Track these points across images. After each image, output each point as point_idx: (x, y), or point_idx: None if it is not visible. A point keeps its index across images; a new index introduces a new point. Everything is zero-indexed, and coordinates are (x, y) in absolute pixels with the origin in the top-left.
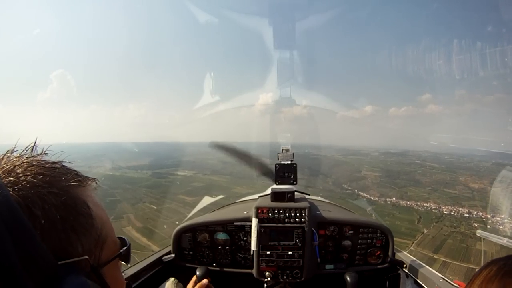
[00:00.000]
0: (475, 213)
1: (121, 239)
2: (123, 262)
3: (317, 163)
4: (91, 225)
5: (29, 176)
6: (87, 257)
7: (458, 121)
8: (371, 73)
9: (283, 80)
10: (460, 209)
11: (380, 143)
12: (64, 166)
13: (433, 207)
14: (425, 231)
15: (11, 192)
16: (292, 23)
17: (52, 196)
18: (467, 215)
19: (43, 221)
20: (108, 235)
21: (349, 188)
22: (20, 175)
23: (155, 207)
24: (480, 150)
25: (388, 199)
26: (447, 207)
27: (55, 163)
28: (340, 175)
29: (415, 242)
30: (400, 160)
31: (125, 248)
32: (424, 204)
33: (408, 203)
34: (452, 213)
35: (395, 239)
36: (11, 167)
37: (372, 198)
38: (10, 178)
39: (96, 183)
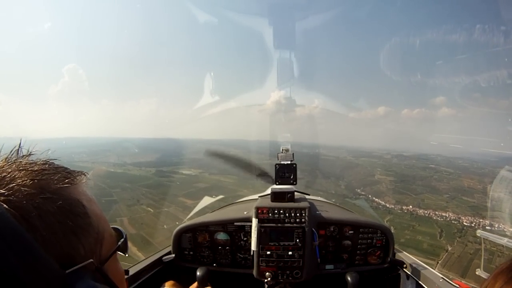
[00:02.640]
0: (496, 225)
1: (116, 230)
2: (121, 253)
3: (329, 164)
4: (89, 224)
5: (20, 185)
6: (92, 260)
7: (469, 124)
8: (383, 74)
9: (284, 80)
10: (481, 220)
11: (390, 145)
12: (53, 164)
13: (452, 217)
14: (449, 248)
15: (6, 206)
16: (292, 23)
17: (47, 203)
18: (488, 227)
19: (44, 233)
20: (105, 230)
21: (363, 193)
22: (10, 184)
23: (152, 210)
24: (492, 155)
25: (404, 207)
26: (467, 217)
27: (43, 163)
28: (353, 178)
29: (439, 262)
30: (414, 164)
31: (122, 240)
32: (443, 214)
33: (426, 212)
34: (473, 225)
35: (418, 258)
36: (0, 177)
37: (387, 206)
38: (1, 190)
39: (85, 175)
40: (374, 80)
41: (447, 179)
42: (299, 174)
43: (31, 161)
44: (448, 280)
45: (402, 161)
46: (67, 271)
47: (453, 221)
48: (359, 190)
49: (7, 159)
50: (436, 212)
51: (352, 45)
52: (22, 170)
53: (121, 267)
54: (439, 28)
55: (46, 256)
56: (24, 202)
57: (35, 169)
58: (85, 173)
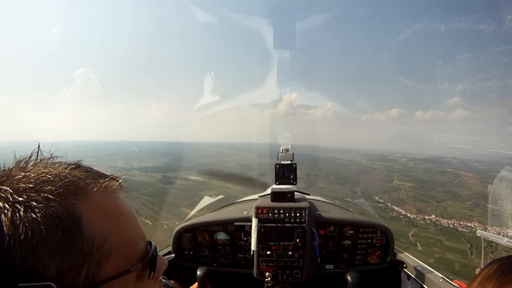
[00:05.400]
0: None
1: (149, 244)
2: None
3: (344, 169)
4: (72, 244)
5: (15, 193)
6: (51, 283)
7: (484, 125)
8: (394, 75)
9: (284, 80)
10: (508, 230)
11: (403, 147)
12: (74, 169)
13: (478, 228)
14: None
15: None
16: (292, 23)
17: (25, 212)
18: None
19: (6, 240)
20: (114, 249)
21: (381, 200)
22: (16, 185)
23: (150, 223)
24: (506, 156)
25: (427, 217)
26: (493, 227)
27: (54, 168)
28: (370, 184)
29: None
30: (431, 168)
31: (135, 266)
32: (468, 224)
33: (450, 222)
34: (501, 236)
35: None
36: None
37: (409, 215)
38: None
39: (117, 181)
40: (387, 82)
41: (468, 184)
42: (313, 178)
43: (48, 164)
44: (448, 280)
45: (418, 164)
46: (19, 285)
47: None
48: (377, 198)
49: (38, 162)
50: (461, 222)
51: (359, 46)
52: (28, 172)
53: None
54: (450, 26)
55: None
56: (7, 208)
57: (40, 174)
58: (116, 178)
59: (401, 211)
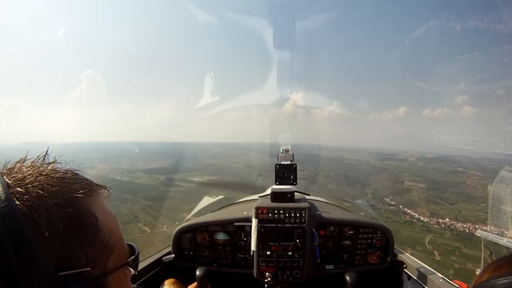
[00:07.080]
0: None
1: (130, 246)
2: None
3: (353, 169)
4: (96, 236)
5: (38, 188)
6: (88, 269)
7: (494, 124)
8: (401, 74)
9: (284, 80)
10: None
11: (410, 146)
12: (76, 174)
13: (495, 232)
14: None
15: (18, 203)
16: (292, 23)
17: (57, 208)
18: None
19: (46, 233)
20: (116, 244)
21: (393, 203)
22: (29, 185)
23: (148, 230)
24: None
25: (441, 220)
26: (510, 231)
27: (65, 172)
28: (380, 185)
29: None
30: (441, 167)
31: (132, 257)
32: (484, 228)
33: (465, 226)
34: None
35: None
36: (22, 177)
37: (422, 218)
38: (19, 188)
39: (108, 190)
40: (394, 81)
41: (481, 184)
42: (321, 179)
43: (55, 168)
44: (448, 280)
45: (428, 164)
46: (60, 273)
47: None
48: (388, 200)
49: (33, 163)
50: (476, 226)
51: (363, 45)
52: (44, 175)
53: (128, 284)
54: (454, 24)
55: (44, 255)
56: (36, 203)
57: (56, 176)
58: (107, 188)
59: (414, 214)
